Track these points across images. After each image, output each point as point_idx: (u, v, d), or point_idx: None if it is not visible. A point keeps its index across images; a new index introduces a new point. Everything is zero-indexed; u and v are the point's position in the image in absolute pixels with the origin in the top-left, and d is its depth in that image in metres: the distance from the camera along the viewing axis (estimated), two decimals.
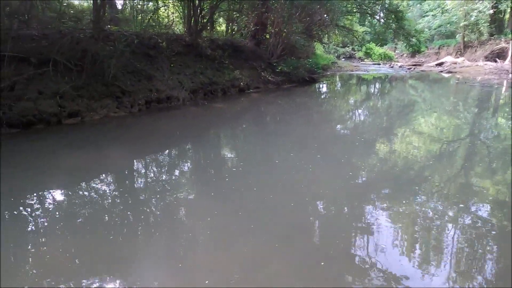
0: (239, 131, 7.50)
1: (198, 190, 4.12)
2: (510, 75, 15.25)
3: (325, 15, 16.73)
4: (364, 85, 16.63)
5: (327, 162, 4.94)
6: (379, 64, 27.69)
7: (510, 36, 21.49)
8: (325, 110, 9.99)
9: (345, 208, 3.62)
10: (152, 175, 4.67)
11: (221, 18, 18.11)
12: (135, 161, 5.14)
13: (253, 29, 14.15)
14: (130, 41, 8.13)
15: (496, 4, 22.16)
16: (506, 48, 20.68)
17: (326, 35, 21.05)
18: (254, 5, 12.99)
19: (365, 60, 30.41)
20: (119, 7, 15.26)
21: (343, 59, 31.44)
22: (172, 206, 3.63)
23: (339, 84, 16.73)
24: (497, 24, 24.11)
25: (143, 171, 4.84)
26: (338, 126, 7.87)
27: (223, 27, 17.50)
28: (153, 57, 9.21)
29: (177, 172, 4.76)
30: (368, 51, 30.23)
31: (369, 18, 23.68)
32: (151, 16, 13.77)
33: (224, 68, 11.26)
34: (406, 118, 8.56)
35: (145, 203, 3.71)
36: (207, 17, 11.94)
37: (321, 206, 3.62)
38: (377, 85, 16.71)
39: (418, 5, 31.54)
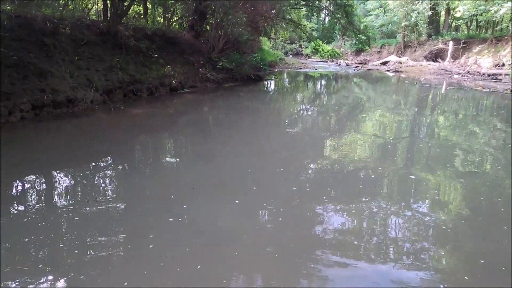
0: (162, 155, 5.46)
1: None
2: (454, 75, 15.33)
3: (272, 9, 15.42)
4: (315, 84, 15.64)
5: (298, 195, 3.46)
6: (326, 61, 27.31)
7: (446, 37, 22.27)
8: (274, 117, 8.41)
9: None
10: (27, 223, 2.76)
11: (159, 8, 15.89)
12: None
13: (190, 18, 12.29)
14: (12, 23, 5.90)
15: (434, 6, 22.85)
16: (443, 49, 21.28)
17: (273, 30, 19.77)
18: None
19: (312, 57, 29.96)
20: None
21: (290, 56, 30.73)
22: None
23: (287, 82, 15.55)
24: (434, 26, 24.99)
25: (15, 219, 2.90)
26: (291, 135, 6.46)
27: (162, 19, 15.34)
28: (49, 46, 7.01)
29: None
30: (317, 47, 29.84)
31: (316, 14, 23.00)
32: None
33: (151, 63, 9.29)
34: (356, 119, 8.01)
35: None
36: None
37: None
38: (328, 84, 15.85)
39: (362, 4, 31.89)
